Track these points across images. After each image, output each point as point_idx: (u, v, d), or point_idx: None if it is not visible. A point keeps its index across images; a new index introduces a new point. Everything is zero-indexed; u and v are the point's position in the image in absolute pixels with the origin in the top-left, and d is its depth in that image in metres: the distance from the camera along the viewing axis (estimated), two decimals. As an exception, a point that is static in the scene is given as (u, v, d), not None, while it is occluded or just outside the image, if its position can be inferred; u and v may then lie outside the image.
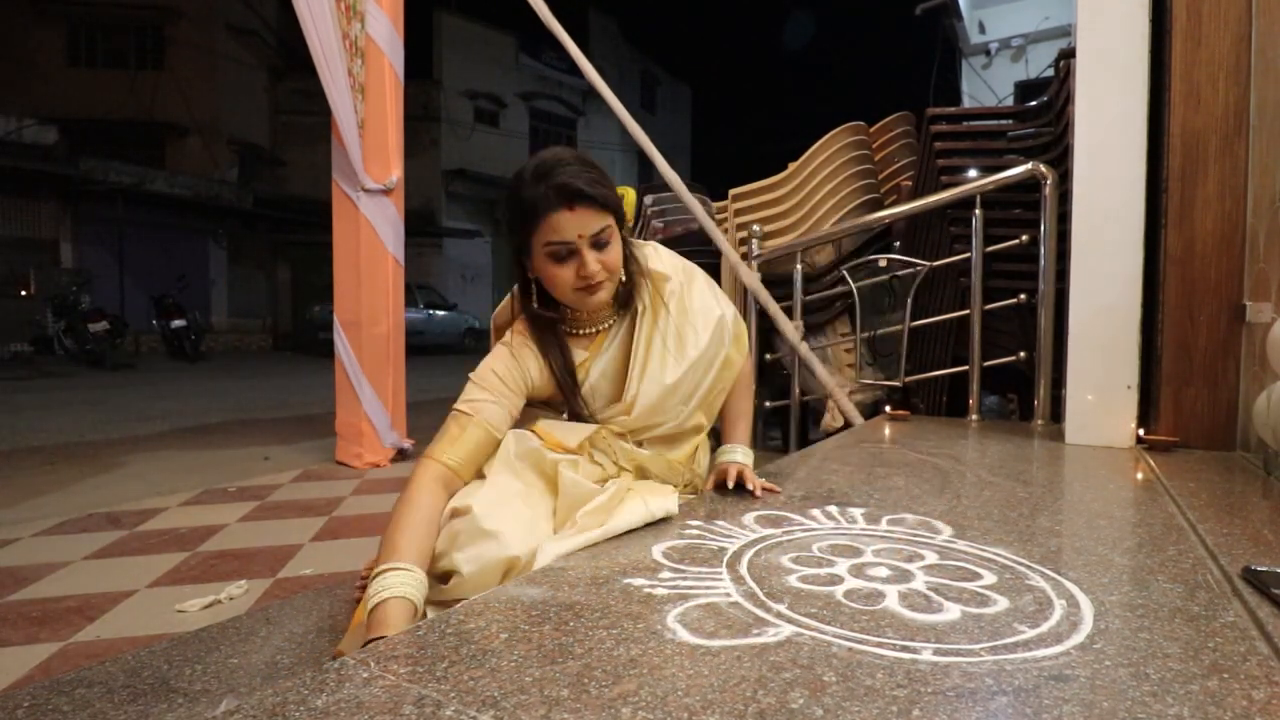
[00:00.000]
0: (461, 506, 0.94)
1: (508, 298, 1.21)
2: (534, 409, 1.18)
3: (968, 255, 2.39)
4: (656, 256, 1.21)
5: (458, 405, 1.05)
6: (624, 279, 1.12)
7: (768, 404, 3.08)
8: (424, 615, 0.86)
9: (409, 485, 0.97)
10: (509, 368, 1.09)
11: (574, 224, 1.01)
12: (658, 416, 1.16)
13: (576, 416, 1.15)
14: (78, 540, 1.93)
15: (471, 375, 1.09)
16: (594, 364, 1.16)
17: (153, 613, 1.46)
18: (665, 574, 0.83)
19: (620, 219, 1.07)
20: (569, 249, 1.02)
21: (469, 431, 1.02)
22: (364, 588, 0.98)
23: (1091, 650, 0.64)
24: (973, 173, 2.65)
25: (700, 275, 1.24)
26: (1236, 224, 1.73)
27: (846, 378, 2.93)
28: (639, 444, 1.17)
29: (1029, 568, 0.86)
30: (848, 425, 2.53)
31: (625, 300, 1.16)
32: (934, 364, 2.70)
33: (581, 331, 1.16)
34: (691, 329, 1.17)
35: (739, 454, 1.25)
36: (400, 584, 0.84)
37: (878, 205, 3.15)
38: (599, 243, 1.03)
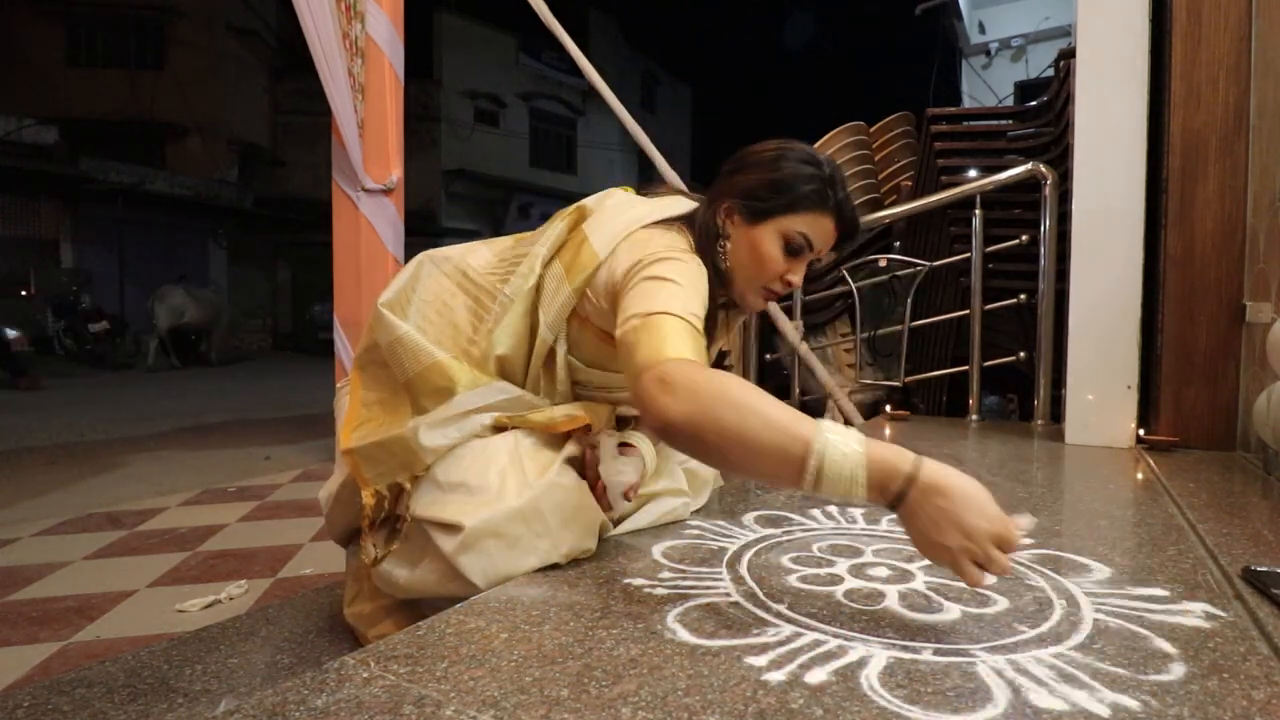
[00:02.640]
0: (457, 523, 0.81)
1: (653, 228, 0.96)
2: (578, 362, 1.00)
3: (968, 255, 2.39)
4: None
5: (684, 313, 0.79)
6: None
7: (768, 404, 3.08)
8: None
9: (703, 389, 0.69)
10: (706, 282, 0.89)
11: (826, 240, 0.95)
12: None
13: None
14: (78, 540, 1.93)
15: (676, 274, 0.84)
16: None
17: (153, 613, 1.46)
18: (665, 574, 0.83)
19: None
20: (803, 251, 0.94)
21: (700, 346, 0.79)
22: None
23: (1091, 650, 0.64)
24: (973, 173, 2.65)
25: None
26: (1236, 224, 1.73)
27: (846, 378, 2.93)
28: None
29: (1029, 568, 0.86)
30: (848, 425, 2.53)
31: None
32: (934, 364, 2.70)
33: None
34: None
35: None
36: (840, 434, 0.67)
37: (878, 205, 3.15)
38: (811, 267, 1.00)
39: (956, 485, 0.66)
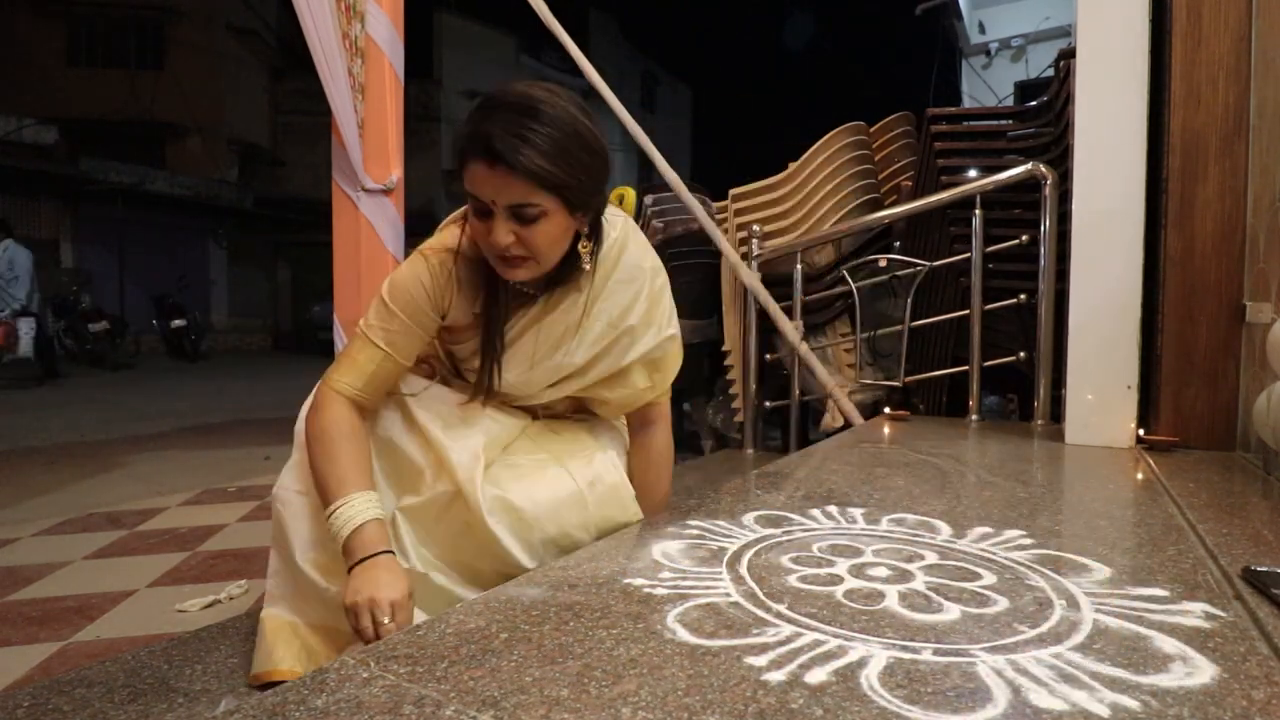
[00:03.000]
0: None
1: (451, 221, 1.02)
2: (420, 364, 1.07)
3: (968, 255, 2.39)
4: (638, 248, 1.04)
5: (366, 327, 0.96)
6: (584, 267, 0.96)
7: (768, 404, 3.08)
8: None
9: (322, 419, 0.92)
10: (433, 290, 0.95)
11: (489, 184, 0.84)
12: (546, 379, 1.03)
13: (484, 363, 1.00)
14: (78, 540, 1.93)
15: (387, 288, 0.98)
16: (522, 317, 1.00)
17: (153, 613, 1.46)
18: (665, 574, 0.83)
19: (573, 203, 0.87)
20: (483, 208, 0.87)
21: (380, 365, 0.95)
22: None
23: (1091, 650, 0.64)
24: (973, 173, 2.65)
25: (664, 289, 1.06)
26: (1236, 224, 1.73)
27: (846, 378, 2.93)
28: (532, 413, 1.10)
29: (1029, 568, 0.86)
30: (848, 425, 2.53)
31: (565, 277, 0.98)
32: (934, 364, 2.70)
33: (523, 285, 0.98)
34: (612, 309, 1.00)
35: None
36: (371, 506, 0.88)
37: (878, 205, 3.15)
38: (522, 216, 0.85)
39: (367, 571, 0.85)
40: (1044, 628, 0.68)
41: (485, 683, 0.57)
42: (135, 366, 8.84)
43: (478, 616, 0.71)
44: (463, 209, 0.98)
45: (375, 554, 0.86)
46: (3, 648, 1.29)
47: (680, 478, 2.23)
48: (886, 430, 2.07)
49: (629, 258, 1.01)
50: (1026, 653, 0.63)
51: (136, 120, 12.87)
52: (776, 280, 2.95)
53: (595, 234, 0.96)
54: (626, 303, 1.01)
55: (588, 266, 0.96)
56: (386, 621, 0.80)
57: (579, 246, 0.95)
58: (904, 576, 0.83)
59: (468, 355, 1.04)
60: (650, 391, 1.08)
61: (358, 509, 0.87)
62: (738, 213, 3.18)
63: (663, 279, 1.06)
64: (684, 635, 0.66)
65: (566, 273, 0.97)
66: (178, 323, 9.97)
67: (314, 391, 0.98)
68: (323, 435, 0.91)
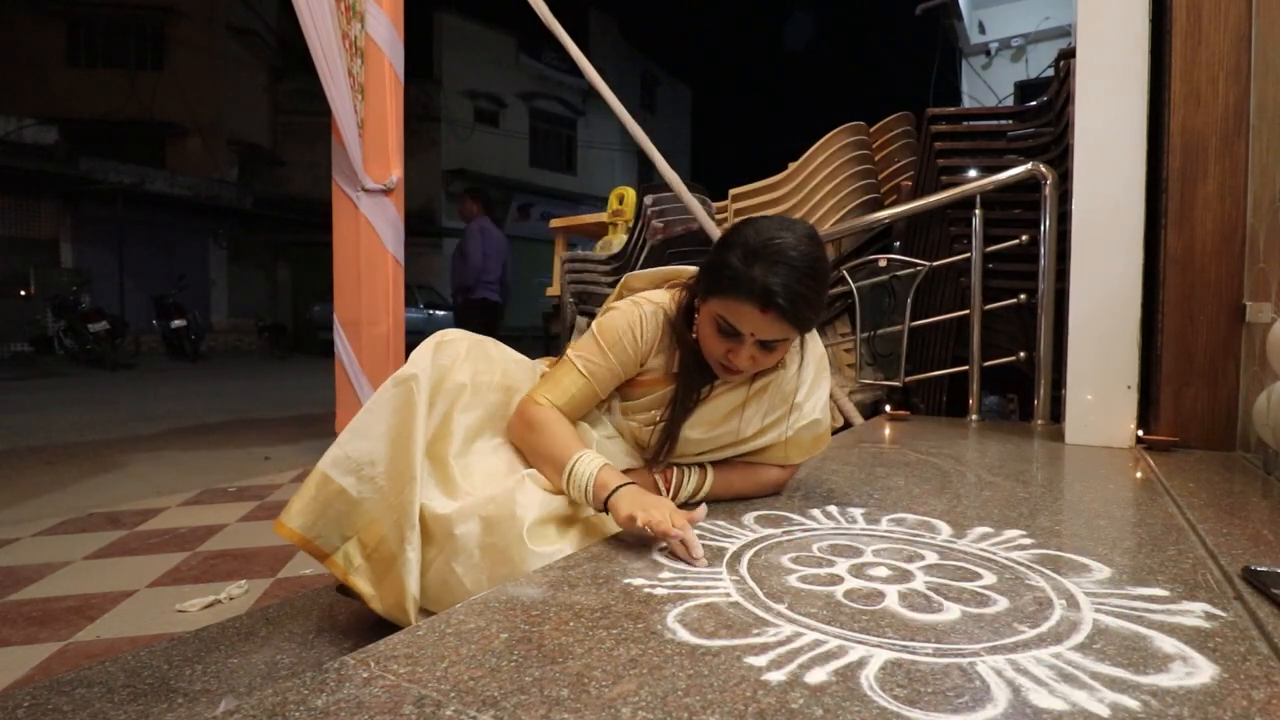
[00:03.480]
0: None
1: (660, 281, 1.15)
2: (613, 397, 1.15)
3: (968, 255, 2.39)
4: (815, 339, 1.17)
5: (576, 357, 1.06)
6: (783, 365, 1.09)
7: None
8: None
9: (526, 415, 1.02)
10: (641, 338, 1.06)
11: (757, 324, 0.95)
12: (712, 443, 1.13)
13: (659, 421, 1.10)
14: (78, 540, 1.93)
15: (598, 327, 1.08)
16: (705, 405, 1.10)
17: (153, 613, 1.46)
18: (665, 574, 0.83)
19: (807, 329, 1.02)
20: (733, 334, 0.97)
21: (581, 389, 1.05)
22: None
23: (1091, 650, 0.64)
24: (973, 173, 2.65)
25: (825, 378, 1.18)
26: (1236, 224, 1.73)
27: (846, 378, 2.93)
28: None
29: (1029, 567, 0.86)
30: (848, 425, 2.53)
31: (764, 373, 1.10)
32: (934, 364, 2.70)
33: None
34: (787, 399, 1.12)
35: (698, 476, 1.15)
36: (597, 458, 0.95)
37: (878, 205, 3.15)
38: (768, 345, 0.98)
39: (630, 494, 0.91)
40: (1044, 628, 0.68)
41: (485, 683, 0.57)
42: (135, 366, 8.84)
43: (478, 616, 0.71)
44: (671, 270, 1.14)
45: (625, 484, 0.92)
46: (3, 648, 1.28)
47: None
48: (886, 430, 2.07)
49: (814, 348, 1.15)
50: (1026, 653, 0.63)
51: (136, 120, 12.87)
52: (776, 280, 2.94)
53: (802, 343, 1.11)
54: (803, 384, 1.13)
55: (789, 367, 1.10)
56: (673, 520, 0.87)
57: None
58: (904, 576, 0.83)
59: (642, 408, 1.12)
60: (783, 459, 1.19)
61: (591, 460, 0.95)
62: (738, 213, 3.19)
63: (826, 370, 1.19)
64: (684, 635, 0.66)
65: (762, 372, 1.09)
66: (177, 323, 9.96)
67: (517, 411, 1.06)
68: (535, 425, 1.01)
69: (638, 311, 1.07)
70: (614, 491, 0.91)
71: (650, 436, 1.10)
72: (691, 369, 1.07)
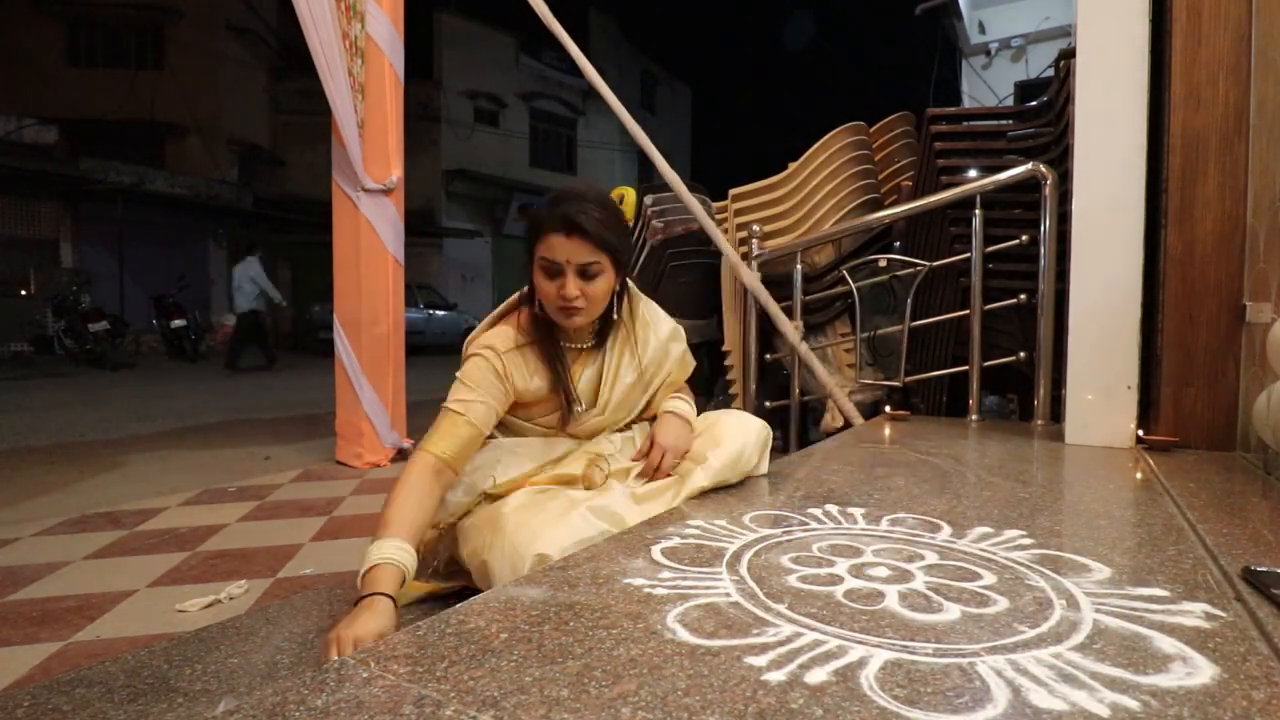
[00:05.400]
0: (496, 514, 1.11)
1: (490, 321, 1.30)
2: (513, 422, 1.30)
3: (968, 255, 2.39)
4: (651, 312, 1.35)
5: (449, 404, 1.15)
6: (614, 317, 1.25)
7: (768, 404, 3.08)
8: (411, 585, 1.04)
9: (404, 473, 1.07)
10: (497, 373, 1.19)
11: (566, 249, 1.12)
12: (620, 412, 1.31)
13: (563, 417, 1.27)
14: (78, 540, 1.93)
15: (460, 375, 1.19)
16: (581, 374, 1.28)
17: (153, 613, 1.46)
18: (665, 574, 0.83)
19: (620, 266, 1.19)
20: (557, 268, 1.14)
21: (460, 428, 1.12)
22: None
23: (1091, 650, 0.64)
24: (973, 173, 2.65)
25: (679, 334, 1.39)
26: (1236, 224, 1.73)
27: (846, 378, 2.93)
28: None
29: (1029, 568, 0.86)
30: (848, 425, 2.53)
31: (606, 327, 1.27)
32: (934, 364, 2.70)
33: (571, 345, 1.27)
34: (646, 345, 1.32)
35: (679, 403, 1.35)
36: (394, 550, 0.95)
37: (878, 205, 3.15)
38: (585, 273, 1.14)
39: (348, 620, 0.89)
40: (1044, 628, 0.68)
41: (485, 683, 0.57)
42: (135, 366, 8.84)
43: (478, 616, 0.71)
44: (495, 311, 1.29)
45: (377, 594, 0.91)
46: (3, 648, 1.29)
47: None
48: (886, 430, 2.07)
49: (642, 305, 1.35)
50: (1026, 653, 0.63)
51: (136, 120, 12.86)
52: (776, 280, 2.95)
53: (623, 292, 1.27)
54: (661, 331, 1.35)
55: (617, 316, 1.25)
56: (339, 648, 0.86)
57: (612, 300, 1.23)
58: (904, 576, 0.83)
59: (543, 414, 1.28)
60: (683, 373, 1.42)
61: (385, 550, 0.96)
62: (738, 213, 3.18)
63: (674, 324, 1.40)
64: (684, 635, 0.66)
65: (606, 324, 1.26)
66: (178, 323, 9.95)
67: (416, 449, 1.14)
68: (400, 486, 1.07)
69: (487, 353, 1.20)
70: (362, 597, 0.92)
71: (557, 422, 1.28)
72: (556, 358, 1.23)
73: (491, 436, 1.28)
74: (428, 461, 1.09)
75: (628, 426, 1.37)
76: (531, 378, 1.22)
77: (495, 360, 1.19)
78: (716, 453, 1.26)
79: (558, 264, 1.14)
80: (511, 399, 1.22)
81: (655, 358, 1.33)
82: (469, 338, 1.28)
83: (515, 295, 1.29)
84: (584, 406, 1.27)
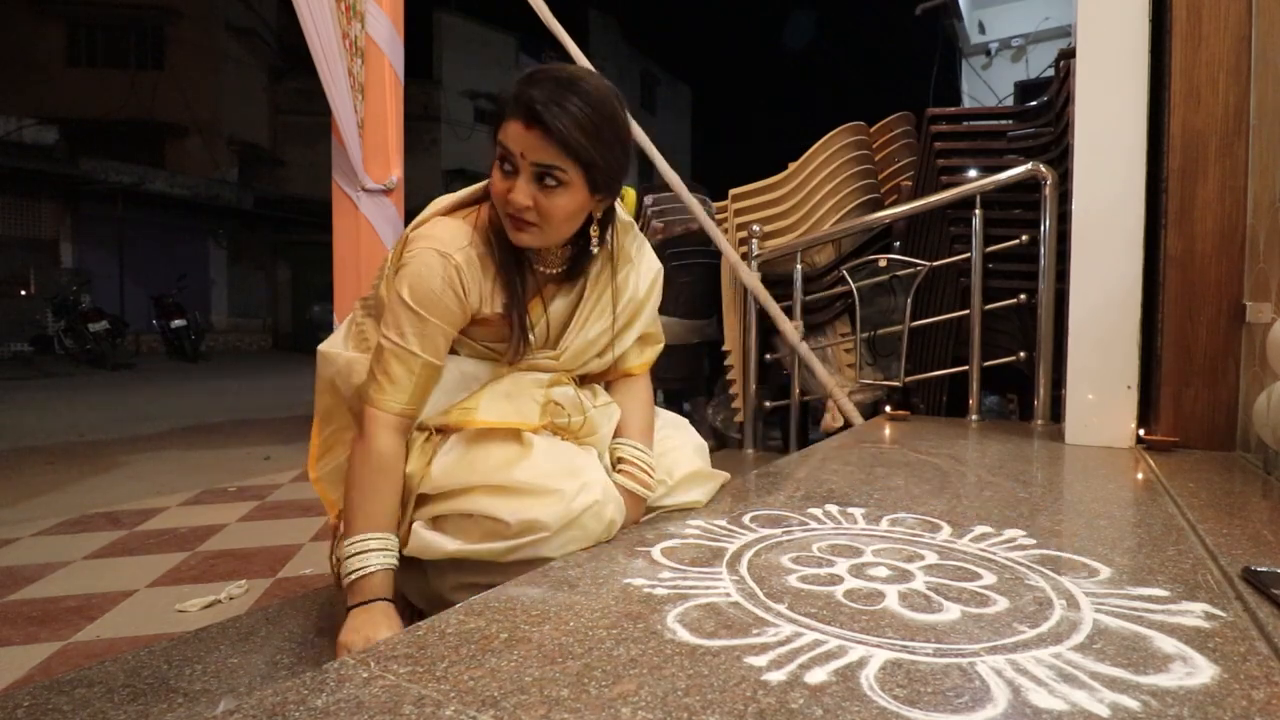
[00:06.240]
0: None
1: (443, 207, 1.04)
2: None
3: (968, 255, 2.39)
4: (636, 248, 1.13)
5: (398, 340, 0.93)
6: (591, 250, 1.02)
7: (768, 404, 3.08)
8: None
9: (365, 445, 0.92)
10: (453, 289, 0.95)
11: (522, 141, 0.88)
12: (574, 363, 1.10)
13: (513, 350, 1.03)
14: (78, 540, 1.93)
15: (408, 294, 0.93)
16: (548, 305, 1.06)
17: (153, 613, 1.46)
18: (665, 574, 0.83)
19: (599, 185, 0.94)
20: (512, 164, 0.91)
21: (418, 372, 0.93)
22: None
23: (1091, 650, 0.64)
24: (973, 173, 2.65)
25: (659, 283, 1.17)
26: (1236, 224, 1.73)
27: (846, 378, 2.93)
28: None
29: (1029, 568, 0.86)
30: (848, 425, 2.53)
31: (582, 257, 1.05)
32: (934, 364, 2.70)
33: (540, 268, 1.03)
34: (622, 290, 1.10)
35: (639, 471, 1.07)
36: (380, 556, 0.89)
37: (878, 205, 3.15)
38: (543, 179, 0.90)
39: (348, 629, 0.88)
40: (1044, 628, 0.68)
41: (485, 683, 0.57)
42: (135, 366, 8.84)
43: (478, 616, 0.71)
44: (454, 195, 1.05)
45: (376, 599, 0.88)
46: (3, 648, 1.28)
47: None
48: (886, 430, 2.07)
49: (631, 239, 1.12)
50: (1026, 653, 0.63)
51: (136, 120, 12.87)
52: (776, 280, 2.95)
53: (607, 221, 1.03)
54: (642, 275, 1.12)
55: (595, 250, 1.02)
56: None
57: (590, 230, 1.00)
58: (904, 576, 0.83)
59: (493, 338, 1.05)
60: (645, 353, 1.20)
61: (375, 556, 0.89)
62: (738, 213, 3.18)
63: (658, 268, 1.17)
64: (684, 635, 0.66)
65: (582, 253, 1.03)
66: (178, 323, 9.97)
67: (365, 410, 0.94)
68: (366, 465, 0.92)
69: (439, 261, 0.94)
70: (359, 604, 0.88)
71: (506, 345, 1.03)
72: (517, 280, 1.00)
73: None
74: (389, 424, 0.93)
75: (581, 381, 1.14)
76: (490, 297, 0.99)
77: (450, 271, 0.94)
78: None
79: (512, 157, 0.90)
80: (466, 322, 0.99)
81: (626, 311, 1.10)
82: (414, 221, 1.03)
83: (481, 184, 1.03)
84: (538, 344, 1.06)
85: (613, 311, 1.08)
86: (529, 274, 1.02)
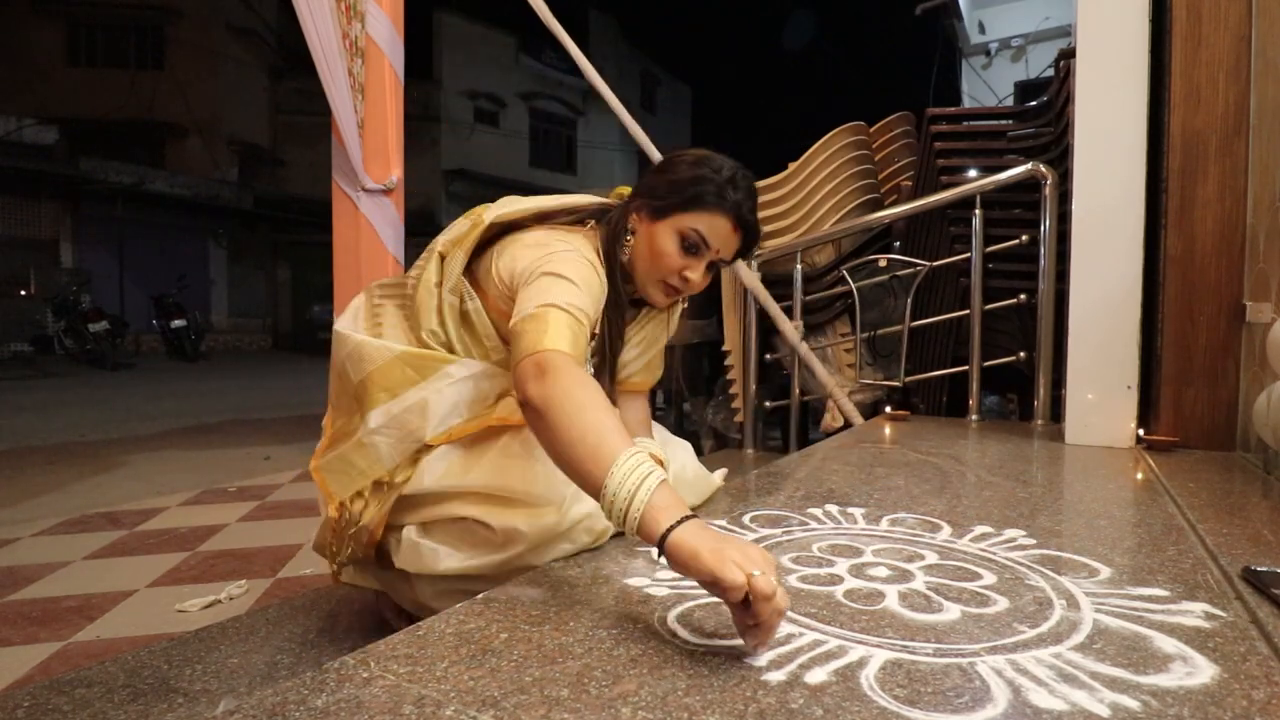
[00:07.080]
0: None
1: (531, 212, 1.06)
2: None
3: (968, 255, 2.39)
4: None
5: (565, 305, 0.86)
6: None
7: (768, 404, 3.08)
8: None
9: (560, 376, 0.77)
10: (601, 285, 0.97)
11: (724, 240, 0.99)
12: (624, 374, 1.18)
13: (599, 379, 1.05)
14: (78, 540, 1.93)
15: (571, 271, 0.91)
16: (631, 338, 1.14)
17: (153, 613, 1.46)
18: (665, 574, 0.83)
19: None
20: (698, 248, 0.98)
21: (581, 337, 0.86)
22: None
23: (1091, 650, 0.64)
24: (973, 173, 2.65)
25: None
26: (1236, 224, 1.73)
27: (846, 378, 2.93)
28: None
29: (1029, 568, 0.86)
30: (848, 425, 2.53)
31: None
32: (934, 364, 2.70)
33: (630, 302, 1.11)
34: (664, 326, 1.22)
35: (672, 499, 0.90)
36: (653, 473, 0.69)
37: (878, 205, 3.15)
38: (714, 266, 1.03)
39: (704, 546, 0.62)
40: (1044, 628, 0.68)
41: (485, 683, 0.57)
42: (135, 366, 8.84)
43: (478, 616, 0.71)
44: (540, 202, 1.08)
45: (685, 518, 0.66)
46: (3, 648, 1.29)
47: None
48: (886, 430, 2.07)
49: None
50: (1026, 653, 0.63)
51: (136, 120, 12.86)
52: (776, 280, 2.95)
53: None
54: (677, 310, 1.24)
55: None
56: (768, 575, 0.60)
57: None
58: (904, 576, 0.83)
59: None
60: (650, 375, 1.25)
61: (650, 478, 0.69)
62: (738, 213, 3.18)
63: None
64: (684, 635, 0.66)
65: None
66: (177, 323, 9.97)
67: (530, 361, 0.81)
68: (579, 390, 0.77)
69: (584, 261, 0.95)
70: (678, 524, 0.64)
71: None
72: (617, 301, 1.04)
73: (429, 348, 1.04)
74: (571, 359, 0.81)
75: None
76: (600, 316, 0.99)
77: (598, 272, 0.97)
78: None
79: (704, 245, 0.98)
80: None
81: (663, 338, 1.22)
82: (499, 212, 1.02)
83: (566, 198, 1.07)
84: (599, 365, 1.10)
85: (666, 336, 1.21)
86: (624, 308, 1.09)
